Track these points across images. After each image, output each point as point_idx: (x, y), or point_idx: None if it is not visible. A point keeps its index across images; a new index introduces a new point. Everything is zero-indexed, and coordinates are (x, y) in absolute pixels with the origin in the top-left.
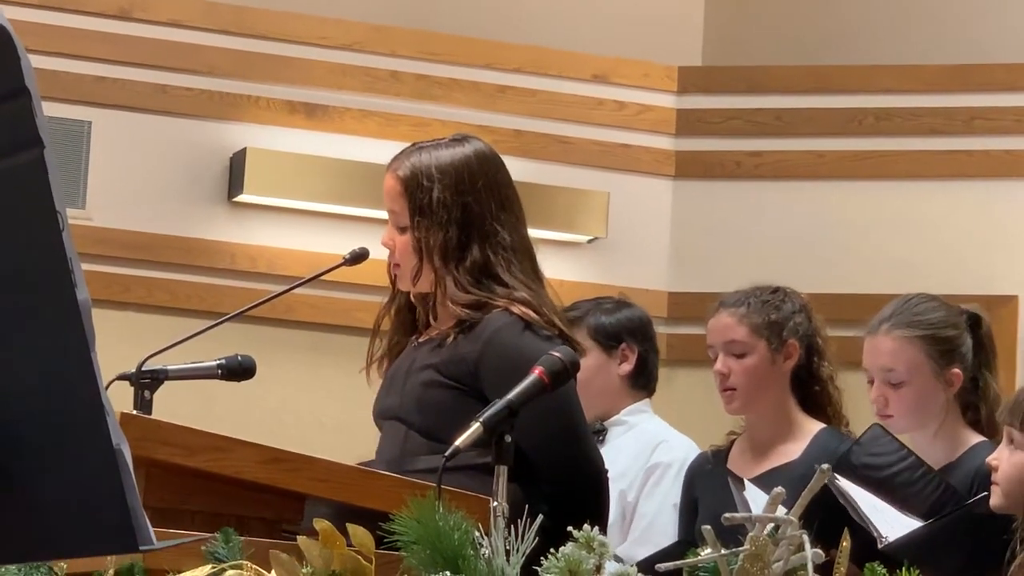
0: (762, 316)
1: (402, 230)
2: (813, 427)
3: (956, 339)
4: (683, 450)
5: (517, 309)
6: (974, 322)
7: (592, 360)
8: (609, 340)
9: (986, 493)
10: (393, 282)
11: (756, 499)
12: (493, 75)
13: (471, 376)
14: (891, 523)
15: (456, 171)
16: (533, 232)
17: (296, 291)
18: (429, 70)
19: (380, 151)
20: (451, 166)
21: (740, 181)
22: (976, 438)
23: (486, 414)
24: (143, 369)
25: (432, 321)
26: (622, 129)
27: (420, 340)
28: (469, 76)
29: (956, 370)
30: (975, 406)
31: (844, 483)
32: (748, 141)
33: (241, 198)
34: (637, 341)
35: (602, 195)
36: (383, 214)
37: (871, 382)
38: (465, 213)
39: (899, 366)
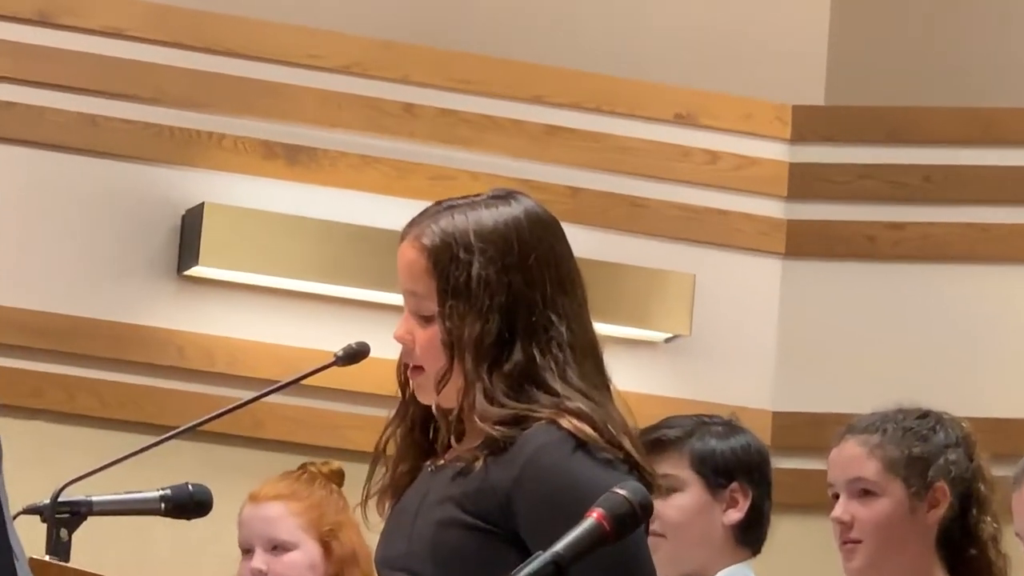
0: (901, 448)
1: (426, 320)
2: None
3: None
4: None
5: (567, 423)
6: None
7: (692, 498)
8: (718, 476)
9: None
10: (403, 388)
11: None
12: (541, 111)
13: (502, 513)
14: None
15: (503, 240)
16: None
17: (268, 399)
18: (454, 103)
19: (387, 211)
20: (495, 233)
21: (874, 263)
22: None
23: (524, 572)
24: (60, 500)
25: (454, 442)
26: (714, 189)
27: (438, 464)
28: (509, 112)
29: None
30: None
31: None
32: (886, 208)
33: (195, 271)
34: (753, 482)
35: (686, 278)
36: (390, 297)
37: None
38: (511, 297)
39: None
